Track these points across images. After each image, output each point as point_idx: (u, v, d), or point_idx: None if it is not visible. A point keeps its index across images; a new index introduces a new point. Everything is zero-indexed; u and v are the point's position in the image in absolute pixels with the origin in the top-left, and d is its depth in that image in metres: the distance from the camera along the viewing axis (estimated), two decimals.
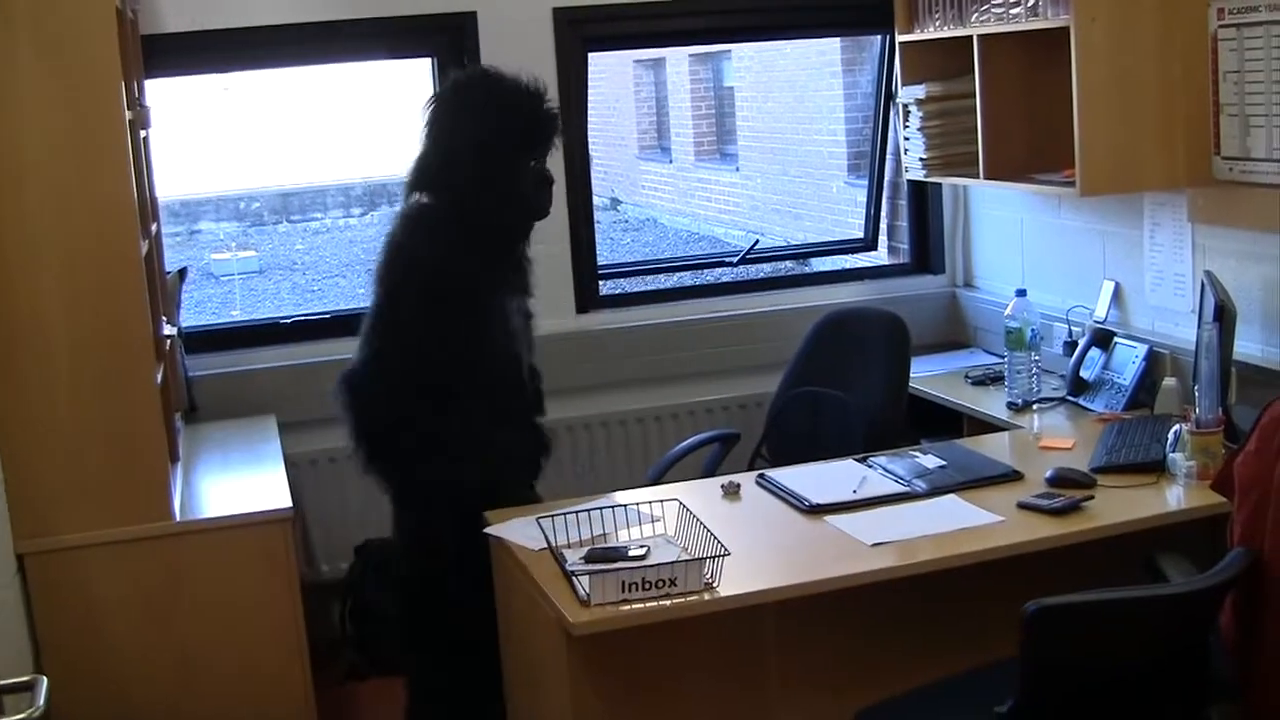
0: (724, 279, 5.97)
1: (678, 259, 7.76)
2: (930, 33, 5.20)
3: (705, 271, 6.18)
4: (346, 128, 17.08)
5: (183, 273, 5.09)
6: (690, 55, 13.78)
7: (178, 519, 4.00)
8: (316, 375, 5.16)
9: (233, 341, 5.28)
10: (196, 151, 15.47)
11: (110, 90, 3.79)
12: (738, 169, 13.49)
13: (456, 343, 3.98)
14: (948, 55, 5.15)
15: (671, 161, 14.97)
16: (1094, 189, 4.54)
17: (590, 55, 5.52)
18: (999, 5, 4.79)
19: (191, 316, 9.73)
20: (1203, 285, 4.27)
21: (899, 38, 5.38)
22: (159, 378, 3.98)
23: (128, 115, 3.88)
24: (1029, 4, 4.63)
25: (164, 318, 4.35)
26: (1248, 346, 4.33)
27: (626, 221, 15.88)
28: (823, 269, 6.74)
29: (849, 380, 4.83)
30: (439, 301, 3.98)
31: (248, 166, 16.36)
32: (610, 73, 15.28)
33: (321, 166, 16.75)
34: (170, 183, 12.73)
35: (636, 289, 6.07)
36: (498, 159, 3.99)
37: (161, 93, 5.08)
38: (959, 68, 5.07)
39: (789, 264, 7.73)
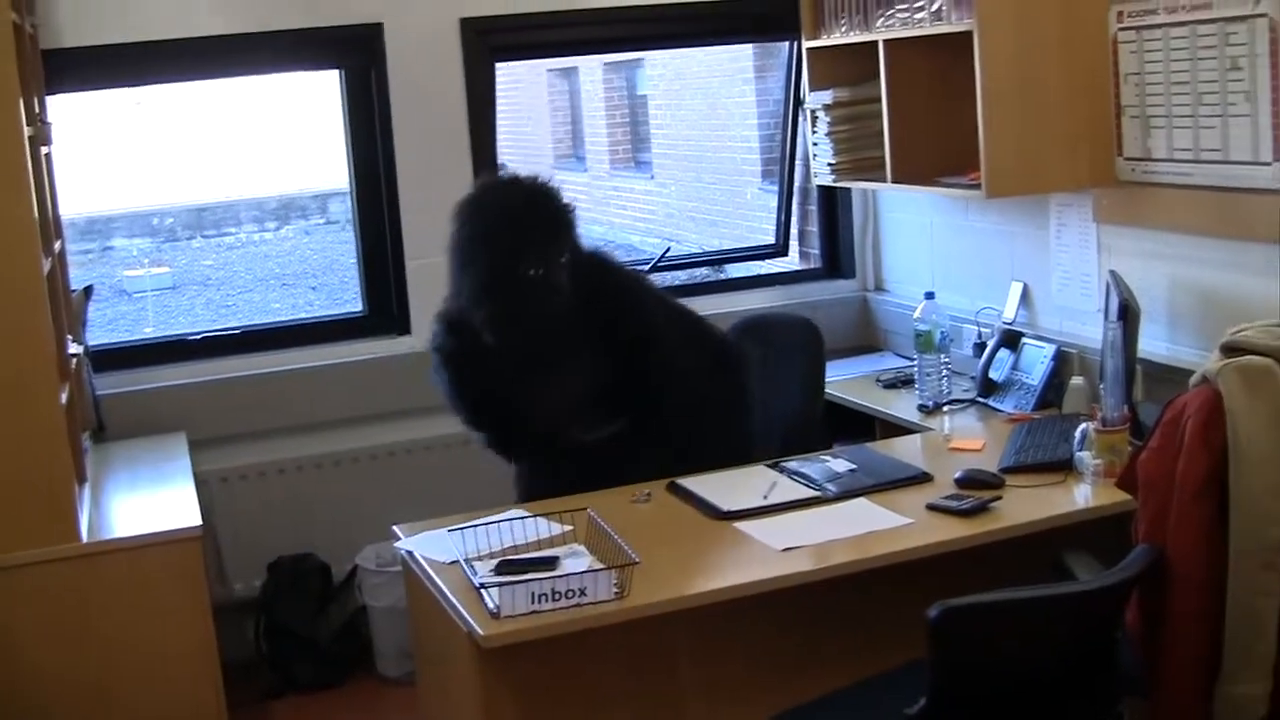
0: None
1: None
2: (836, 38, 5.23)
3: None
4: (259, 142, 16.99)
5: (89, 290, 5.03)
6: (604, 64, 13.78)
7: (85, 540, 3.96)
8: (227, 392, 5.16)
9: (141, 359, 5.23)
10: (109, 167, 15.35)
11: (7, 106, 3.74)
12: (652, 177, 13.50)
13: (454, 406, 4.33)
14: (854, 60, 5.18)
15: (586, 170, 14.97)
16: (999, 191, 4.57)
17: (499, 65, 5.51)
18: (904, 10, 4.81)
19: (103, 334, 9.66)
20: (1108, 285, 4.31)
21: (806, 44, 5.40)
22: (64, 397, 3.94)
23: (27, 132, 3.84)
24: (933, 9, 4.66)
25: (69, 336, 4.31)
26: (1153, 344, 4.38)
27: None
28: (737, 275, 6.75)
29: (765, 386, 4.83)
30: (436, 371, 4.31)
31: (161, 181, 16.22)
32: (524, 82, 15.26)
33: (235, 181, 16.65)
34: (83, 199, 12.64)
35: None
36: (486, 275, 4.04)
37: (70, 108, 5.03)
38: (865, 73, 5.09)
39: (704, 270, 7.73)
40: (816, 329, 4.89)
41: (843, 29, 5.17)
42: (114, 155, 15.66)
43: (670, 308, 4.41)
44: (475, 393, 4.24)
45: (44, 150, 4.41)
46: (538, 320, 4.06)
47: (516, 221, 4.03)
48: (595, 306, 4.15)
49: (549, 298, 4.03)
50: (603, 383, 4.19)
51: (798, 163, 6.05)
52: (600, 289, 4.19)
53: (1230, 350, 3.15)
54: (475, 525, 3.69)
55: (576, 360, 4.18)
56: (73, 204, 4.81)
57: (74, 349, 4.37)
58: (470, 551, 3.58)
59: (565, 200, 4.16)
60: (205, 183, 16.45)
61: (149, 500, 4.42)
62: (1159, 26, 4.22)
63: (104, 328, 10.92)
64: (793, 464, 4.19)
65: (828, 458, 4.23)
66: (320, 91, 5.62)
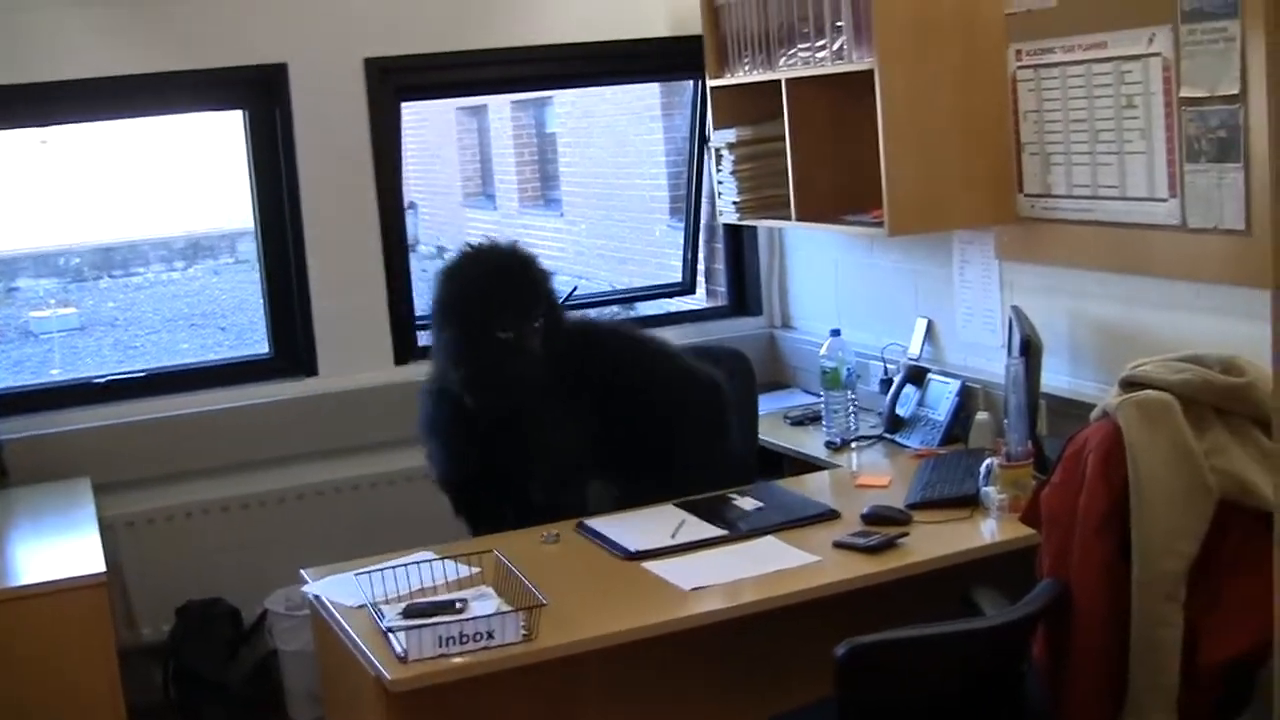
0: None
1: None
2: (740, 77, 5.26)
3: None
4: (166, 180, 16.88)
5: None
6: (512, 102, 13.80)
7: None
8: (133, 435, 5.11)
9: (45, 402, 5.16)
10: (13, 206, 15.19)
11: None
12: (562, 214, 13.52)
13: (439, 471, 4.42)
14: (758, 99, 5.20)
15: (496, 208, 14.96)
16: (902, 229, 4.61)
17: (405, 104, 5.50)
18: (805, 49, 4.85)
19: (9, 376, 9.56)
20: (1010, 320, 4.36)
21: (710, 83, 5.43)
22: None
23: None
24: (834, 48, 4.70)
25: None
26: (1056, 379, 4.43)
27: None
28: (647, 313, 6.76)
29: None
30: (424, 438, 4.46)
31: (67, 221, 16.08)
32: (432, 120, 15.24)
33: (142, 220, 16.52)
34: None
35: None
36: (462, 338, 4.22)
37: None
38: (769, 111, 5.11)
39: (614, 308, 7.74)
40: (748, 361, 4.92)
41: (746, 68, 5.21)
42: (18, 194, 15.51)
43: (662, 357, 4.49)
44: (470, 464, 4.30)
45: None
46: (513, 383, 4.17)
47: (489, 286, 4.18)
48: (587, 369, 4.29)
49: (522, 360, 4.15)
50: (598, 444, 4.27)
51: (704, 200, 6.08)
52: (591, 351, 4.36)
53: (1129, 385, 3.19)
54: (383, 568, 3.67)
55: (569, 423, 4.26)
56: None
57: None
58: (378, 595, 3.56)
59: (540, 266, 4.32)
60: (112, 222, 16.32)
61: (53, 547, 4.37)
62: (1056, 65, 4.28)
63: (10, 370, 10.79)
64: (700, 503, 4.20)
65: (734, 496, 4.24)
66: (227, 130, 5.59)
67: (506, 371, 4.17)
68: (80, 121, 5.52)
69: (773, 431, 5.18)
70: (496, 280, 4.22)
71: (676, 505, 4.20)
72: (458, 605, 3.49)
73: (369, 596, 3.55)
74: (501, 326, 4.15)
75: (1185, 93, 3.84)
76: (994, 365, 4.72)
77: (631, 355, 4.45)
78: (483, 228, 15.21)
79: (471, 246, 4.39)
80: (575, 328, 4.43)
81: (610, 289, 9.23)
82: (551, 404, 4.26)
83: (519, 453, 4.24)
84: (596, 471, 4.36)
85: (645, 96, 11.22)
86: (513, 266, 4.28)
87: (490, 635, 3.27)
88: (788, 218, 5.11)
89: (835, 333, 5.05)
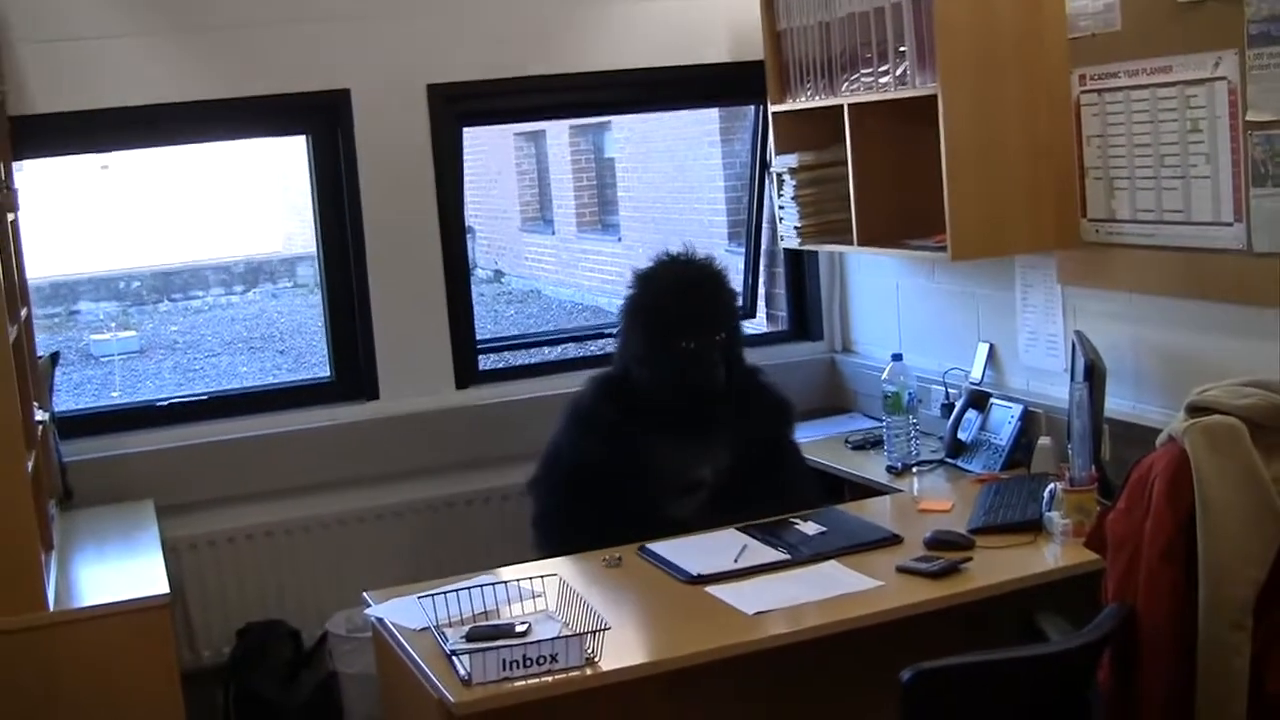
0: (607, 349, 5.97)
1: (557, 332, 7.78)
2: (802, 103, 5.26)
3: (589, 343, 6.18)
4: (226, 205, 17.04)
5: (55, 357, 5.02)
6: (570, 127, 13.86)
7: (52, 608, 3.93)
8: (195, 457, 5.14)
9: (108, 425, 5.20)
10: (75, 230, 15.36)
11: None
12: (620, 239, 13.55)
13: (566, 453, 4.57)
14: (819, 125, 5.20)
15: (554, 233, 15.02)
16: (965, 254, 4.59)
17: (466, 130, 5.53)
18: (868, 75, 4.85)
19: (70, 399, 9.65)
20: (1073, 345, 4.34)
21: (772, 108, 5.43)
22: (30, 465, 3.92)
23: None
24: (897, 73, 4.70)
25: (36, 403, 4.29)
26: (1119, 404, 4.40)
27: (510, 293, 15.91)
28: None
29: None
30: (567, 420, 4.61)
31: (127, 245, 16.24)
32: (491, 145, 15.33)
33: (201, 244, 16.68)
34: (48, 262, 12.64)
35: (521, 362, 6.07)
36: (646, 342, 4.51)
37: (36, 171, 5.03)
38: (831, 137, 5.11)
39: None
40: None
41: (808, 93, 5.21)
42: (80, 218, 15.69)
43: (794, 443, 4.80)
44: (596, 455, 4.49)
45: (10, 217, 4.41)
46: (692, 388, 4.46)
47: (680, 295, 4.49)
48: (742, 409, 4.57)
49: (700, 371, 4.45)
50: (728, 467, 4.51)
51: (764, 225, 6.08)
52: (749, 394, 4.63)
53: (1196, 410, 3.17)
54: (445, 591, 3.67)
55: (708, 445, 4.52)
56: (38, 267, 4.80)
57: (40, 416, 4.35)
58: (441, 618, 3.57)
59: (729, 283, 4.65)
60: (172, 246, 16.48)
61: (117, 568, 4.40)
62: (1120, 89, 4.26)
63: (70, 392, 10.91)
64: (762, 527, 4.19)
65: (796, 521, 4.24)
66: (289, 155, 5.63)
67: (687, 378, 4.44)
68: (146, 147, 5.57)
69: (834, 456, 5.16)
70: (688, 290, 4.50)
71: (738, 529, 4.20)
72: (521, 629, 3.50)
73: (432, 619, 3.56)
74: (686, 336, 4.43)
75: (1251, 116, 3.82)
76: (1056, 390, 4.70)
77: (778, 415, 4.70)
78: (540, 252, 15.29)
79: (669, 254, 4.63)
80: (747, 364, 4.72)
81: None
82: (700, 420, 4.53)
83: (641, 458, 4.46)
84: (706, 500, 4.48)
85: (704, 121, 11.25)
86: (704, 279, 4.56)
87: (554, 659, 3.28)
88: (849, 242, 5.10)
89: (897, 357, 5.04)
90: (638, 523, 4.29)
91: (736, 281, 5.50)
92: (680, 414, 4.51)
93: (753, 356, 5.60)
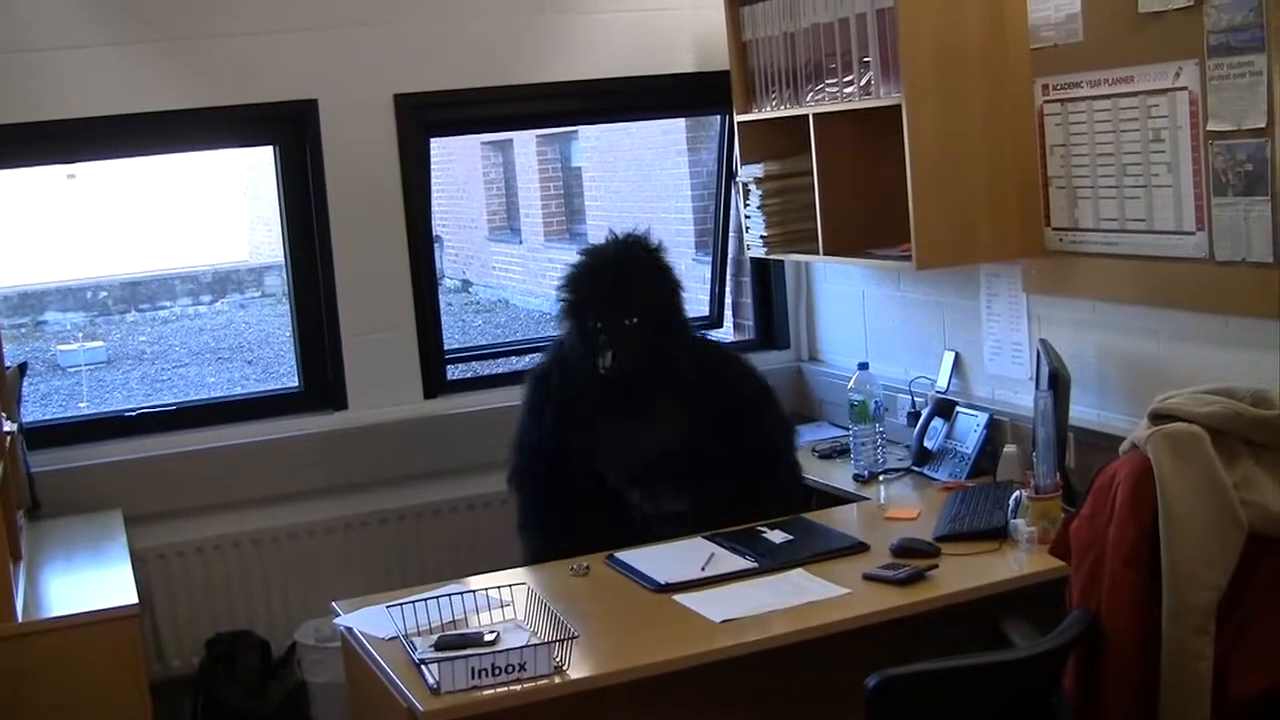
0: None
1: (525, 341, 7.77)
2: (768, 112, 5.28)
3: None
4: (193, 215, 16.98)
5: (23, 367, 5.02)
6: (537, 136, 13.86)
7: (20, 619, 3.92)
8: (163, 468, 5.13)
9: (76, 436, 5.19)
10: (41, 240, 15.29)
11: None
12: None
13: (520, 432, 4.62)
14: (785, 134, 5.22)
15: (522, 242, 15.02)
16: (930, 263, 4.62)
17: (433, 139, 5.54)
18: (833, 85, 4.87)
19: (37, 409, 9.60)
20: (1038, 353, 4.37)
21: (737, 118, 5.45)
22: None
23: None
24: (862, 83, 4.73)
25: (3, 414, 4.29)
26: (1084, 411, 4.43)
27: (478, 303, 15.90)
28: None
29: None
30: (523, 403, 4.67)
31: (94, 255, 16.17)
32: (458, 154, 15.31)
33: (168, 254, 16.61)
34: (14, 272, 12.60)
35: (489, 371, 6.07)
36: (565, 316, 4.54)
37: (3, 182, 5.02)
38: (796, 146, 5.13)
39: None
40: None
41: (773, 103, 5.23)
42: (46, 228, 15.61)
43: (766, 394, 4.73)
44: (546, 428, 4.52)
45: None
46: (587, 371, 4.43)
47: (593, 275, 4.48)
48: (695, 381, 4.50)
49: (606, 355, 4.35)
50: (685, 451, 4.46)
51: (731, 235, 6.10)
52: (716, 371, 4.60)
53: (1158, 418, 3.20)
54: (414, 600, 3.68)
55: (663, 420, 4.48)
56: (4, 277, 4.80)
57: (8, 426, 4.34)
58: (409, 627, 3.58)
59: (655, 270, 4.53)
60: (139, 256, 16.41)
61: (85, 578, 4.39)
62: (1083, 99, 4.30)
63: (38, 403, 10.85)
64: (730, 535, 4.21)
65: (763, 529, 4.25)
66: (256, 164, 5.64)
67: (586, 359, 4.42)
68: (111, 158, 5.58)
69: (801, 465, 5.17)
70: (602, 272, 4.46)
71: (705, 538, 4.22)
72: (489, 637, 3.51)
73: (401, 629, 3.57)
74: (593, 317, 4.41)
75: (1212, 126, 3.85)
76: (1022, 398, 4.73)
77: (740, 386, 4.64)
78: (508, 261, 15.28)
79: (612, 234, 4.61)
80: (698, 343, 4.70)
81: None
82: (643, 403, 4.48)
83: (589, 442, 4.47)
84: (670, 477, 4.48)
85: (671, 131, 11.26)
86: (625, 262, 4.48)
87: (522, 667, 3.29)
88: (815, 252, 5.13)
89: (863, 366, 5.07)
90: (594, 505, 4.41)
91: (699, 294, 5.51)
92: (616, 394, 4.46)
93: None
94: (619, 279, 4.43)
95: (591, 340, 4.41)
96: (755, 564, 3.98)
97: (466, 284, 16.58)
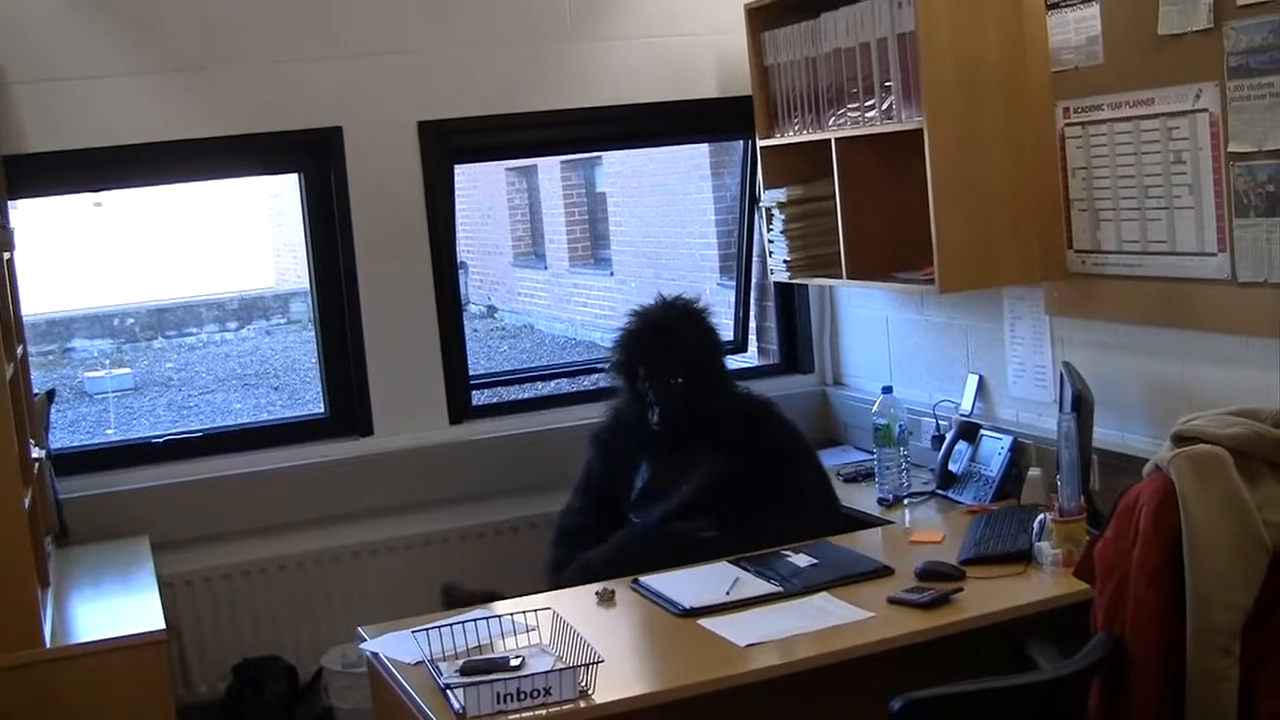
0: (600, 384, 6.00)
1: (550, 366, 7.80)
2: (790, 137, 5.29)
3: (582, 377, 6.20)
4: (219, 242, 17.05)
5: (51, 394, 5.05)
6: (562, 162, 13.89)
7: (48, 645, 3.94)
8: (190, 494, 5.16)
9: (104, 462, 5.22)
10: (69, 267, 15.36)
11: None
12: (612, 273, 13.57)
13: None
14: (807, 159, 5.23)
15: (547, 268, 15.04)
16: (952, 286, 4.62)
17: (457, 166, 5.57)
18: (854, 109, 4.89)
19: (65, 436, 9.65)
20: (1061, 376, 4.37)
21: (760, 143, 5.46)
22: (26, 502, 3.94)
23: None
24: (883, 107, 4.74)
25: (32, 441, 4.31)
26: (1107, 434, 4.43)
27: (503, 328, 15.92)
28: None
29: None
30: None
31: (121, 282, 16.24)
32: (483, 181, 15.35)
33: (195, 281, 16.67)
34: (42, 299, 12.66)
35: (514, 397, 6.10)
36: (616, 374, 4.90)
37: (31, 209, 5.05)
38: (819, 171, 5.14)
39: None
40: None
41: (795, 128, 5.24)
42: (74, 255, 15.68)
43: (812, 460, 4.91)
44: (603, 471, 4.88)
45: (5, 256, 4.43)
46: (639, 426, 4.78)
47: (640, 337, 4.83)
48: (733, 433, 4.74)
49: (652, 410, 4.72)
50: (720, 488, 4.67)
51: (754, 259, 6.12)
52: (758, 422, 4.81)
53: (1181, 439, 3.20)
54: (440, 625, 3.69)
55: (703, 466, 4.70)
56: (32, 304, 4.82)
57: (36, 453, 4.37)
58: (435, 652, 3.59)
59: (698, 332, 4.86)
60: (165, 282, 16.48)
61: (112, 604, 4.42)
62: (1103, 122, 4.30)
63: (65, 429, 10.91)
64: (754, 560, 4.22)
65: (788, 553, 4.26)
66: (279, 192, 5.67)
67: (638, 415, 4.78)
68: (139, 186, 5.61)
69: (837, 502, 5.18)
70: (649, 334, 4.80)
71: (730, 562, 4.23)
72: (515, 662, 3.52)
73: (426, 654, 3.58)
74: (644, 376, 4.75)
75: (1233, 148, 3.86)
76: (1046, 421, 4.73)
77: (771, 438, 4.80)
78: (533, 287, 15.30)
79: (662, 296, 4.96)
80: (741, 397, 4.91)
81: None
82: (686, 452, 4.74)
83: (631, 485, 4.77)
84: (702, 511, 4.63)
85: (694, 156, 11.28)
86: (670, 326, 4.80)
87: (547, 692, 3.30)
88: (838, 276, 5.13)
89: (887, 390, 5.08)
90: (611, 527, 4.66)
91: (723, 318, 5.55)
92: (661, 438, 4.75)
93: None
94: (665, 342, 4.75)
95: (641, 397, 4.76)
96: (780, 588, 3.99)
97: (491, 309, 16.61)
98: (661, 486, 4.73)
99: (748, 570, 4.15)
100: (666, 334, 4.78)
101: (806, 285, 5.90)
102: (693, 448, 4.73)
